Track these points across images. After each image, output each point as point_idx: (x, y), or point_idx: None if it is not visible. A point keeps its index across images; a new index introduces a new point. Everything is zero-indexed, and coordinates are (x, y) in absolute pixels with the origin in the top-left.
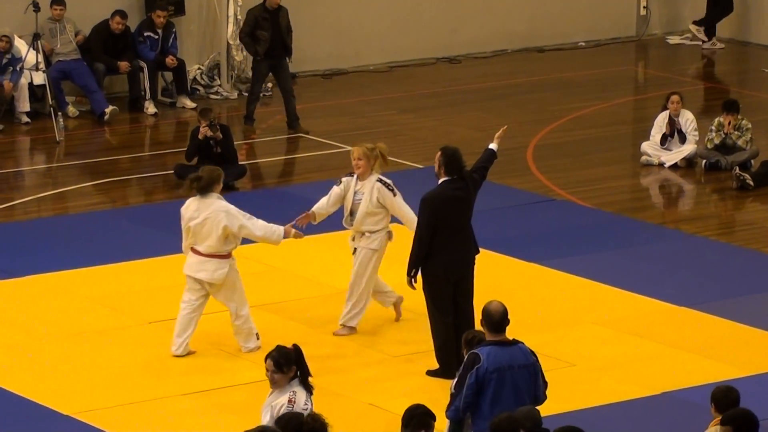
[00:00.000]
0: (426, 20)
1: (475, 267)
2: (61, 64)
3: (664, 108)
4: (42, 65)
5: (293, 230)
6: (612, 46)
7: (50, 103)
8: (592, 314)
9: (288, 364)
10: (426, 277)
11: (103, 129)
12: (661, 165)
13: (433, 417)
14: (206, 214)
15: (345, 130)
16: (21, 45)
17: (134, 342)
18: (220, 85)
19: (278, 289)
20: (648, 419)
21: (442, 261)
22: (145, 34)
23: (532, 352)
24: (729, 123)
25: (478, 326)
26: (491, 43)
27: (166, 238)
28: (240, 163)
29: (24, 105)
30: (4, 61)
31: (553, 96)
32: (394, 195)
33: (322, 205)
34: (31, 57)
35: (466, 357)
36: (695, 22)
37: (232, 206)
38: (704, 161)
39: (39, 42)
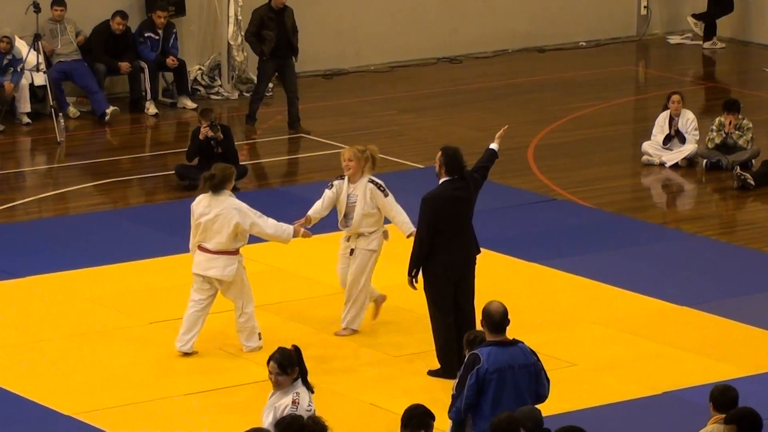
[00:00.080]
0: (427, 20)
1: (476, 267)
2: (62, 65)
3: (665, 108)
4: (43, 66)
5: (302, 229)
6: (612, 45)
7: (51, 103)
8: (592, 314)
9: (291, 366)
10: (427, 277)
11: (104, 129)
12: (661, 165)
13: (432, 417)
14: (218, 210)
15: (346, 130)
16: (22, 46)
17: (135, 342)
18: (220, 86)
19: (279, 289)
20: (648, 419)
21: (443, 261)
22: (146, 34)
23: (533, 352)
24: (730, 123)
25: (479, 326)
26: (492, 43)
27: (167, 239)
28: (241, 163)
29: (25, 106)
30: (5, 61)
31: (554, 96)
32: (386, 196)
33: (317, 209)
34: (31, 58)
35: (466, 357)
36: (694, 15)
37: (243, 204)
38: (705, 161)
39: (40, 43)
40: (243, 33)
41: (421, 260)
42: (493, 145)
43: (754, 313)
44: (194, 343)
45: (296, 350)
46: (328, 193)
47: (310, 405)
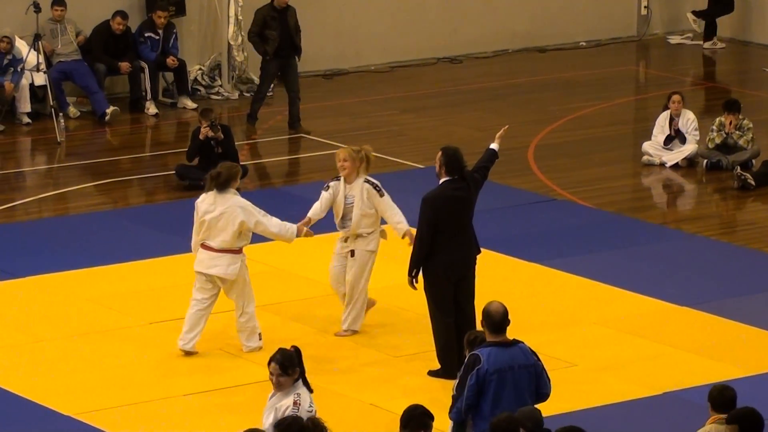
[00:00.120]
0: (427, 20)
1: (476, 267)
2: (62, 65)
3: (666, 108)
4: (43, 66)
5: (305, 229)
6: (613, 46)
7: (51, 103)
8: (593, 314)
9: (292, 367)
10: (427, 277)
11: (104, 129)
12: (662, 165)
13: (431, 417)
14: (223, 208)
15: (346, 130)
16: (22, 46)
17: (135, 342)
18: (221, 86)
19: (279, 289)
20: (648, 419)
21: (443, 261)
22: (146, 34)
23: (533, 352)
24: (730, 123)
25: (479, 326)
26: (492, 43)
27: (167, 239)
28: (241, 163)
29: (25, 106)
30: (5, 62)
31: (554, 96)
32: (382, 196)
33: (317, 211)
34: (32, 58)
35: (466, 358)
36: (694, 12)
37: (248, 202)
38: (705, 161)
39: (40, 43)
40: (243, 33)
41: (421, 260)
42: (494, 145)
43: (754, 313)
44: (196, 343)
45: (296, 351)
46: (324, 195)
47: (311, 406)
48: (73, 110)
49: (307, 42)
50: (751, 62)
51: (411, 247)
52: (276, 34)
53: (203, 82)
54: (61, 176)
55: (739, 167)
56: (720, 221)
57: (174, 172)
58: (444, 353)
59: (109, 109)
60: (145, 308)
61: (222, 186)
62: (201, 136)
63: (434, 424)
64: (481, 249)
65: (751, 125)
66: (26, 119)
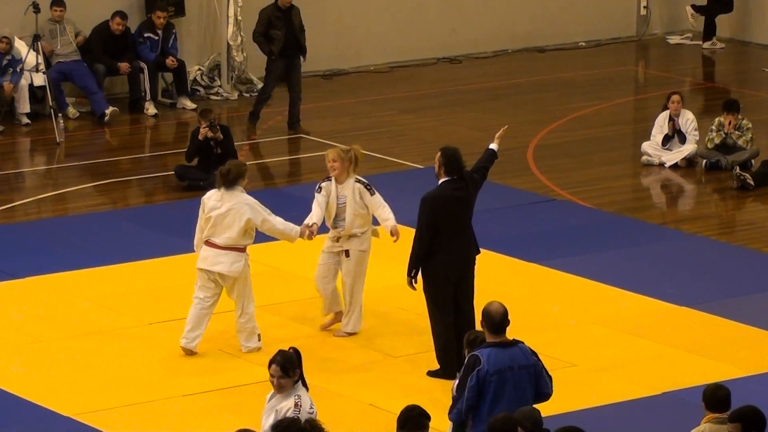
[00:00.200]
0: (426, 20)
1: (476, 267)
2: (61, 66)
3: (665, 108)
4: (42, 66)
5: (307, 230)
6: (612, 46)
7: (50, 104)
8: (592, 314)
9: (293, 368)
10: (426, 278)
11: (104, 130)
12: (661, 165)
13: (428, 417)
14: (230, 205)
15: (345, 130)
16: (21, 46)
17: (135, 343)
18: (220, 86)
19: (279, 289)
20: (648, 419)
21: (443, 261)
22: (146, 35)
23: (533, 352)
24: (729, 123)
25: (478, 326)
26: (492, 43)
27: (167, 239)
28: None
29: (24, 106)
30: (4, 62)
31: (554, 96)
32: (372, 194)
33: (320, 215)
34: (31, 58)
35: (466, 359)
36: (693, 6)
37: (255, 200)
38: (705, 161)
39: (39, 43)
40: (242, 33)
41: (420, 260)
42: (493, 146)
43: (754, 313)
44: (198, 342)
45: (296, 352)
46: (319, 197)
47: (312, 408)
48: (72, 111)
49: (307, 42)
50: (751, 62)
51: (396, 244)
52: (281, 34)
53: (202, 83)
54: (61, 177)
55: (738, 167)
56: (719, 221)
57: (173, 172)
58: (443, 353)
59: (109, 110)
60: (145, 309)
61: (231, 183)
62: (200, 137)
63: (434, 424)
64: (481, 249)
65: (750, 125)
66: (25, 120)
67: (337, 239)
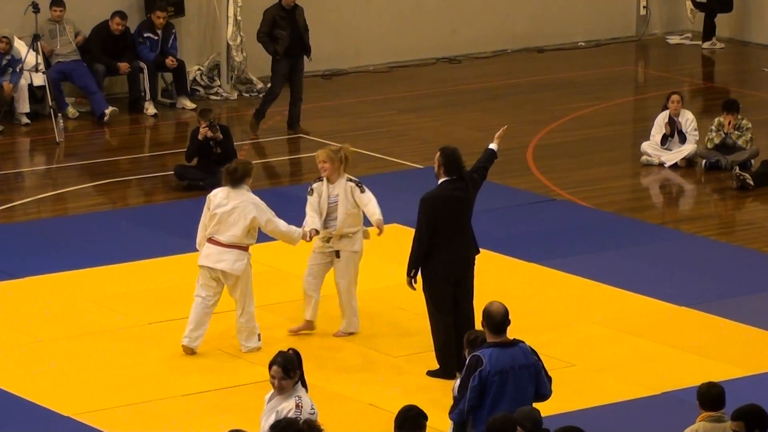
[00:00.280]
0: (426, 20)
1: (475, 267)
2: (61, 65)
3: (665, 108)
4: (42, 66)
5: (309, 233)
6: (612, 46)
7: (50, 104)
8: (592, 314)
9: (294, 369)
10: (426, 277)
11: (103, 130)
12: (661, 165)
13: (425, 417)
14: (236, 203)
15: (345, 130)
16: (21, 46)
17: (134, 343)
18: (219, 86)
19: (279, 289)
20: (648, 419)
21: (442, 261)
22: (145, 35)
23: (533, 352)
24: (729, 123)
25: (478, 326)
26: (491, 43)
27: (166, 239)
28: None
29: (24, 106)
30: (4, 62)
31: (553, 96)
32: (363, 192)
33: (316, 220)
34: (30, 58)
35: (468, 359)
36: (693, 2)
37: (261, 200)
38: (704, 161)
39: (39, 43)
40: (242, 33)
41: (420, 260)
42: (493, 146)
43: (754, 313)
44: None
45: (296, 353)
46: (311, 200)
47: (312, 409)
48: (71, 110)
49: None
50: (750, 62)
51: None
52: (286, 34)
53: (202, 83)
54: (60, 176)
55: (737, 167)
56: (719, 221)
57: (173, 172)
58: (443, 353)
59: (108, 110)
60: (144, 308)
61: (237, 181)
62: (200, 137)
63: (434, 424)
64: (481, 249)
65: (749, 125)
66: (25, 120)
67: (328, 240)
